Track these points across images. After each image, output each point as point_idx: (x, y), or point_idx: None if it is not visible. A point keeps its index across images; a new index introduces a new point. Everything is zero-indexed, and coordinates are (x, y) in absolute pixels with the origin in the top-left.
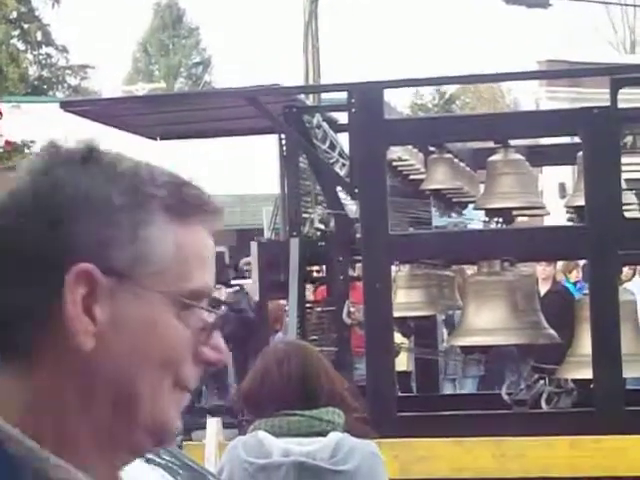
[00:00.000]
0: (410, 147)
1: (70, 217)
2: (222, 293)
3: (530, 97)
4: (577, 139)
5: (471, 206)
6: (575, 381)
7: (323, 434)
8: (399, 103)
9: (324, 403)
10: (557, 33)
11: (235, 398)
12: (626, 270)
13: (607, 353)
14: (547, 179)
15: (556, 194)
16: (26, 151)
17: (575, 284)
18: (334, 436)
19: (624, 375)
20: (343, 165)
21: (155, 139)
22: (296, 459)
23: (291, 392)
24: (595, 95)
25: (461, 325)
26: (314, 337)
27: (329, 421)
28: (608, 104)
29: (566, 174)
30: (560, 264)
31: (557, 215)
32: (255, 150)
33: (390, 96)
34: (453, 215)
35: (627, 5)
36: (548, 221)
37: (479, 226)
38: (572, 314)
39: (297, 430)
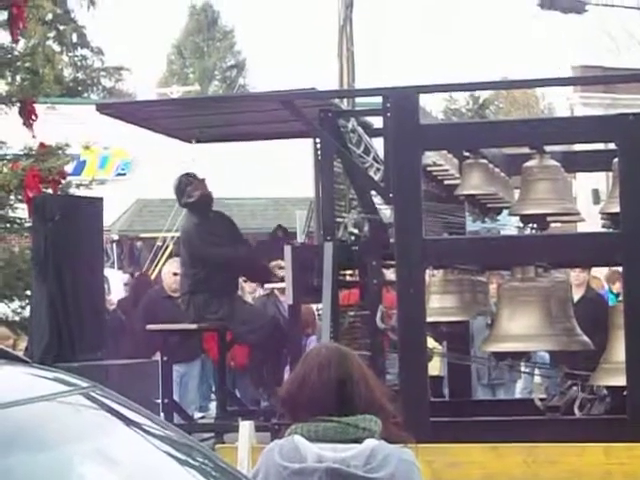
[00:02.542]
0: (445, 152)
1: None
2: (248, 295)
3: (564, 103)
4: (611, 145)
5: (506, 212)
6: (608, 388)
7: (359, 441)
8: (433, 108)
9: (362, 410)
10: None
11: (271, 401)
12: None
13: None
14: (581, 185)
15: (589, 200)
16: (60, 153)
17: (617, 295)
18: (369, 443)
19: None
20: (378, 170)
21: (190, 142)
22: (329, 465)
23: (329, 398)
24: (630, 101)
25: (494, 331)
26: (346, 341)
27: (365, 428)
28: None
29: (600, 180)
30: (604, 273)
31: (590, 221)
32: (290, 153)
33: (424, 101)
34: (487, 220)
35: None
36: (582, 227)
37: (513, 232)
38: (606, 321)
39: (332, 436)
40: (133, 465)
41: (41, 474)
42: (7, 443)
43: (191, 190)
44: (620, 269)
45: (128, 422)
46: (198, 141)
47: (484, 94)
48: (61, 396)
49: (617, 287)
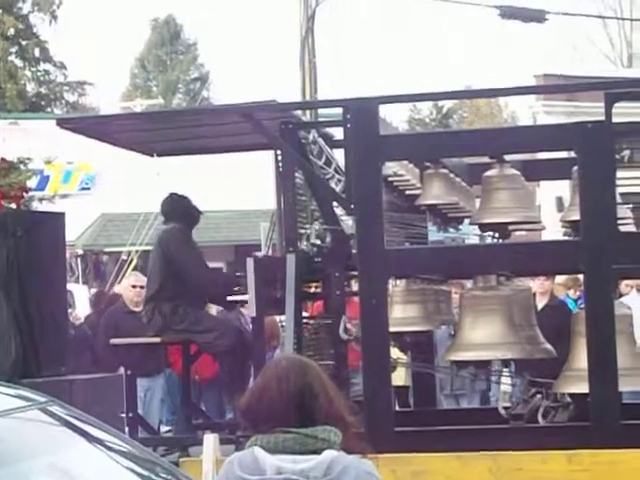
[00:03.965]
0: (405, 162)
1: None
2: (213, 309)
3: (527, 111)
4: (573, 153)
5: (467, 221)
6: (572, 395)
7: (318, 452)
8: (396, 117)
9: (321, 422)
10: (554, 47)
11: (233, 414)
12: (624, 285)
13: (603, 367)
14: (545, 193)
15: (554, 208)
16: (22, 168)
17: (576, 301)
18: (328, 454)
19: (620, 389)
20: (339, 181)
21: (152, 156)
22: (288, 477)
23: (288, 409)
24: (592, 109)
25: (456, 340)
26: (310, 352)
27: (324, 439)
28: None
29: (564, 188)
30: (561, 279)
31: (556, 229)
32: (254, 165)
33: (387, 111)
34: (450, 230)
35: (624, 19)
36: (547, 235)
37: (475, 241)
38: (569, 328)
39: (292, 447)
40: None
41: None
42: None
43: (187, 203)
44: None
45: (87, 437)
46: (160, 155)
47: (448, 103)
48: (18, 411)
49: (574, 293)
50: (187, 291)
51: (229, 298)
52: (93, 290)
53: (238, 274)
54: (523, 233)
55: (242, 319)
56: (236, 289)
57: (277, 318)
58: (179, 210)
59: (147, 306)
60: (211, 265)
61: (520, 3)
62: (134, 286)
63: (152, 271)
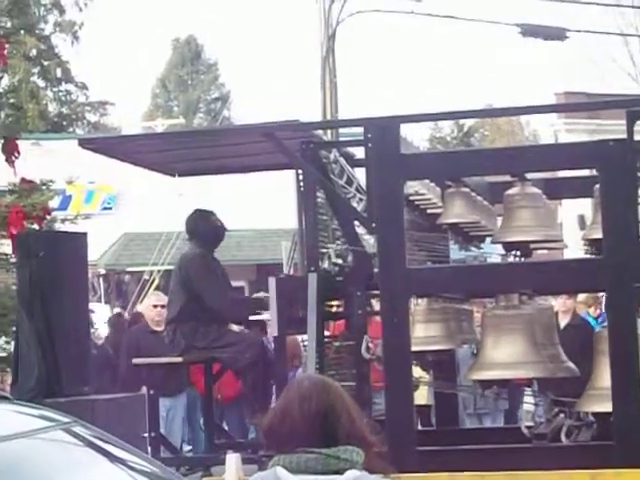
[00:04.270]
0: (427, 181)
1: None
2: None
3: (549, 129)
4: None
5: (489, 240)
6: (595, 414)
7: (340, 472)
8: (418, 136)
9: (344, 441)
10: (575, 65)
11: (255, 433)
12: None
13: (626, 386)
14: (567, 211)
15: (576, 226)
16: (44, 189)
17: (597, 318)
18: (351, 474)
19: None
20: (360, 200)
21: (173, 176)
22: None
23: (310, 430)
24: (614, 127)
25: (479, 359)
26: (332, 372)
27: (346, 459)
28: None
29: (586, 206)
30: (581, 297)
31: (578, 247)
32: (276, 184)
33: (409, 130)
34: (471, 249)
35: None
36: (569, 253)
37: (497, 260)
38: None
39: (314, 468)
40: None
41: None
42: None
43: (213, 220)
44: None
45: (110, 457)
46: (181, 175)
47: (469, 122)
48: (42, 432)
49: (594, 311)
50: (207, 313)
51: (251, 318)
52: (116, 310)
53: (259, 296)
54: (545, 252)
55: (265, 339)
56: (257, 312)
57: (299, 337)
58: (202, 229)
59: (168, 327)
60: (233, 284)
61: (541, 21)
62: (155, 306)
63: (172, 294)
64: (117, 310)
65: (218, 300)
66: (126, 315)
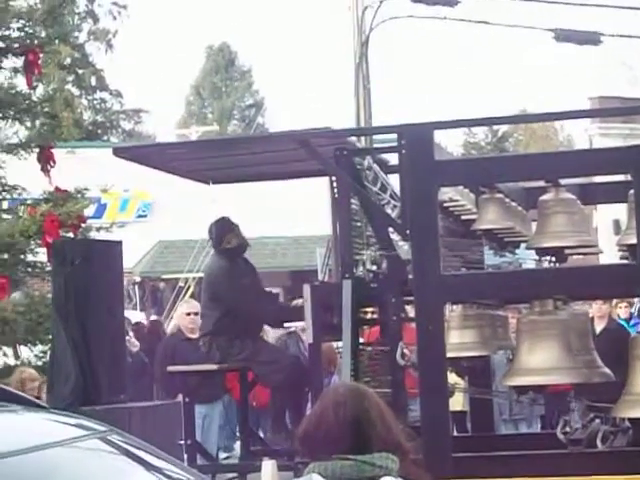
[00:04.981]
0: (461, 188)
1: None
2: (271, 334)
3: (583, 134)
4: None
5: (523, 245)
6: (631, 420)
7: (375, 479)
8: (452, 142)
9: (379, 448)
10: (609, 69)
11: (291, 440)
12: None
13: None
14: (602, 216)
15: (611, 231)
16: (79, 197)
17: (628, 321)
18: None
19: None
20: (394, 206)
21: (208, 183)
22: None
23: (345, 436)
24: None
25: (514, 365)
26: (367, 378)
27: (381, 466)
28: None
29: (621, 211)
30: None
31: (613, 252)
32: (311, 192)
33: (442, 136)
34: (506, 255)
35: None
36: (604, 258)
37: (532, 265)
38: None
39: (349, 475)
40: None
41: None
42: None
43: (230, 237)
44: None
45: (146, 465)
46: (215, 182)
47: (503, 127)
48: (78, 441)
49: (624, 312)
50: (241, 325)
51: (287, 325)
52: (152, 317)
53: (297, 303)
54: (580, 257)
55: (301, 345)
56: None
57: (334, 344)
58: (219, 245)
59: (204, 339)
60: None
61: (574, 25)
62: (188, 314)
63: (205, 308)
64: (153, 317)
65: (251, 311)
66: (165, 324)
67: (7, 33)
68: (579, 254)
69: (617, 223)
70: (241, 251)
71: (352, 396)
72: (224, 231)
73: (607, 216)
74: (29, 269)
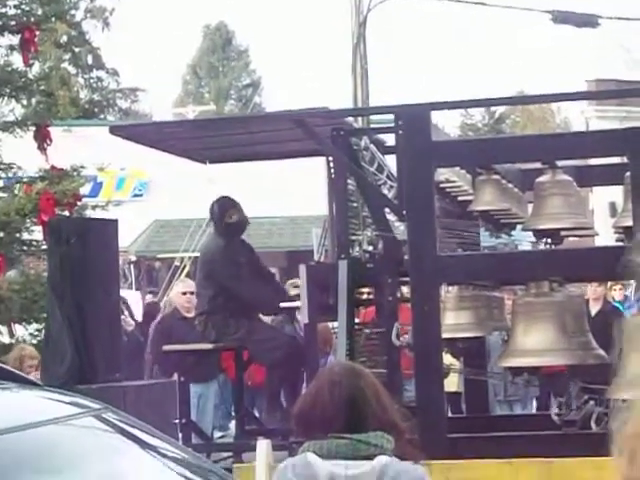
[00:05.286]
0: (457, 168)
1: None
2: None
3: (580, 116)
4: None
5: (519, 227)
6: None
7: (370, 458)
8: (449, 123)
9: (374, 427)
10: (607, 51)
11: (286, 420)
12: None
13: None
14: (598, 198)
15: (607, 213)
16: (75, 176)
17: (623, 303)
18: (381, 460)
19: None
20: (391, 187)
21: (204, 163)
22: None
23: (341, 415)
24: None
25: (509, 346)
26: (363, 359)
27: (377, 445)
28: None
29: (617, 194)
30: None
31: (609, 234)
32: (308, 171)
33: (439, 117)
34: (502, 236)
35: None
36: (600, 240)
37: (528, 247)
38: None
39: (344, 453)
40: None
41: None
42: (18, 466)
43: (232, 212)
44: None
45: (141, 444)
46: (212, 162)
47: (500, 109)
48: (73, 419)
49: (618, 295)
50: (237, 304)
51: (282, 305)
52: (148, 297)
53: (295, 282)
54: (576, 239)
55: (297, 325)
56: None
57: (330, 324)
58: (220, 221)
59: (199, 318)
60: None
61: (572, 8)
62: (184, 293)
63: (200, 287)
64: (149, 297)
65: (246, 293)
66: (161, 304)
67: (4, 11)
68: (575, 236)
69: (613, 205)
70: (242, 227)
71: (348, 375)
72: (226, 207)
73: (603, 198)
74: (24, 247)
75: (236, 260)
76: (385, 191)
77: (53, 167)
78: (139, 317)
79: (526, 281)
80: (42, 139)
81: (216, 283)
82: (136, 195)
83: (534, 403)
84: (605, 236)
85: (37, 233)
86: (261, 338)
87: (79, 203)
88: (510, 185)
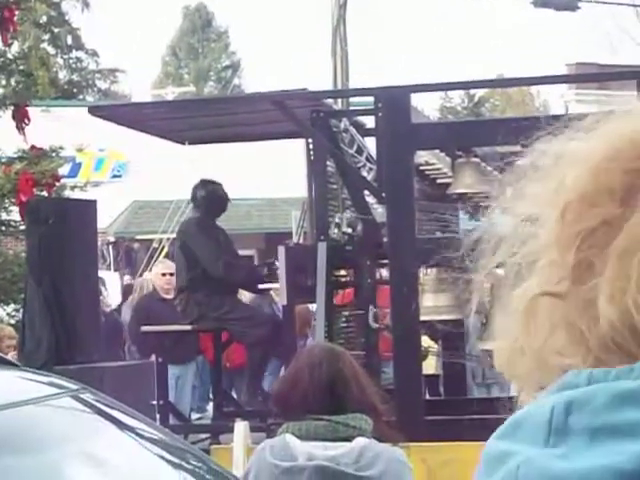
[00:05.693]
0: (437, 151)
1: None
2: (246, 297)
3: (559, 100)
4: None
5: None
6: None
7: (349, 439)
8: (428, 106)
9: (353, 409)
10: (586, 35)
11: (264, 401)
12: None
13: None
14: None
15: None
16: (54, 156)
17: None
18: (360, 441)
19: None
20: (370, 169)
21: (183, 144)
22: (319, 463)
23: (320, 397)
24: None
25: (488, 328)
26: (341, 341)
27: (355, 427)
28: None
29: None
30: None
31: None
32: (287, 153)
33: (419, 99)
34: (481, 219)
35: None
36: None
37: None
38: None
39: (323, 435)
40: (123, 467)
41: (29, 477)
42: None
43: (216, 190)
44: None
45: (118, 424)
46: (191, 143)
47: (479, 92)
48: (50, 399)
49: None
50: (218, 281)
51: (260, 286)
52: (126, 277)
53: (268, 262)
54: None
55: (275, 307)
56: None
57: (310, 306)
58: (203, 199)
59: (180, 295)
60: (242, 253)
61: None
62: (164, 274)
63: (178, 262)
64: (127, 279)
65: (215, 266)
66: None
67: None
68: None
69: None
70: (223, 206)
71: (327, 357)
72: (205, 185)
73: None
74: (2, 228)
75: (211, 235)
76: (364, 173)
77: (32, 147)
78: (117, 298)
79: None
80: (20, 119)
81: (188, 256)
82: (115, 176)
83: (512, 385)
84: None
85: (15, 214)
86: (242, 316)
87: (58, 184)
88: (489, 168)
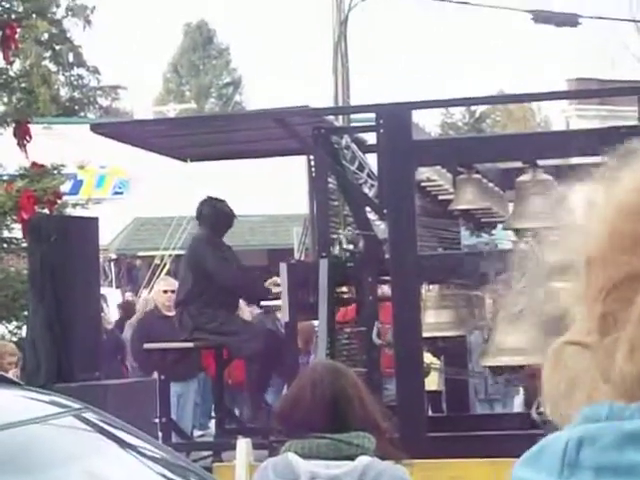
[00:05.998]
0: (438, 168)
1: None
2: (247, 314)
3: (560, 115)
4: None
5: (500, 226)
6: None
7: (352, 458)
8: (429, 122)
9: (356, 427)
10: (587, 51)
11: (267, 419)
12: None
13: None
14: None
15: None
16: (55, 173)
17: None
18: (362, 460)
19: None
20: (372, 186)
21: (185, 161)
22: None
23: (322, 415)
24: (626, 113)
25: (490, 345)
26: (343, 358)
27: (358, 445)
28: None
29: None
30: None
31: None
32: (288, 170)
33: (420, 115)
34: (483, 235)
35: None
36: None
37: (509, 246)
38: None
39: (326, 453)
40: None
41: None
42: None
43: (222, 207)
44: None
45: (120, 443)
46: (193, 160)
47: (480, 108)
48: (53, 418)
49: None
50: (216, 293)
51: (263, 304)
52: (127, 294)
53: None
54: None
55: (278, 323)
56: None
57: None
58: (209, 215)
59: (177, 309)
60: None
61: (553, 7)
62: (165, 291)
63: (182, 278)
64: (129, 295)
65: (228, 276)
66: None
67: None
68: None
69: None
70: (230, 222)
71: (330, 375)
72: (215, 203)
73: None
74: (5, 245)
75: (220, 249)
76: (366, 190)
77: (34, 164)
78: (117, 315)
79: None
80: (22, 136)
81: (198, 270)
82: (116, 193)
83: (515, 402)
84: None
85: (17, 231)
86: (237, 330)
87: (59, 201)
88: (491, 184)
